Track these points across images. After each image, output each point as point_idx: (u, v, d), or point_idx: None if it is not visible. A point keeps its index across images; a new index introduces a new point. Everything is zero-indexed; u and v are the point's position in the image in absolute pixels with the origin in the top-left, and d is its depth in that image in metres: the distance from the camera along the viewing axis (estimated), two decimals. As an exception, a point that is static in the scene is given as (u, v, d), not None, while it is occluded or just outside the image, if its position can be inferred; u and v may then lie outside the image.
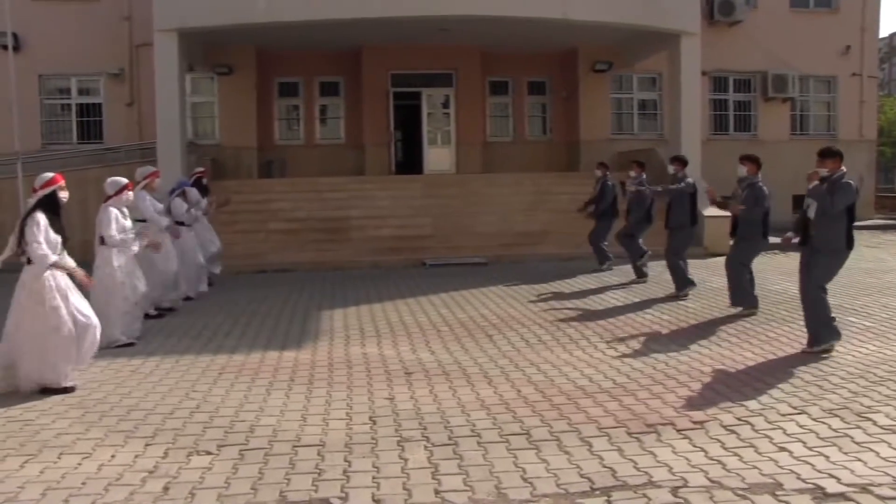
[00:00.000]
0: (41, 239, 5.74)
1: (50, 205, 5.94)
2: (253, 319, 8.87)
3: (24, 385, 5.79)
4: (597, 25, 16.15)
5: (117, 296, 7.47)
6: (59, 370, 5.80)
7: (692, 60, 16.48)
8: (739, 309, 8.42)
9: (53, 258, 5.80)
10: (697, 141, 16.65)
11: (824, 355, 6.45)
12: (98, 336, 6.18)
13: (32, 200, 5.97)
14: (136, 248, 7.59)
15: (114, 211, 7.44)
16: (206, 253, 11.43)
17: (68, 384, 5.84)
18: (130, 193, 7.69)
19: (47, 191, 5.95)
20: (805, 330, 6.80)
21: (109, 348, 7.16)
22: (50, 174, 6.10)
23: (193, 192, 11.27)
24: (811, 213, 6.54)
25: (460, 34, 17.05)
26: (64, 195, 6.05)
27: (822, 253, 6.47)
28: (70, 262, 6.04)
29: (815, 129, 21.28)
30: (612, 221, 12.26)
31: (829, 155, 6.52)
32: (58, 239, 5.91)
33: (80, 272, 6.08)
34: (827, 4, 21.04)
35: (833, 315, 6.70)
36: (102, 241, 7.46)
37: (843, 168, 6.49)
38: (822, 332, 6.59)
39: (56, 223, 5.93)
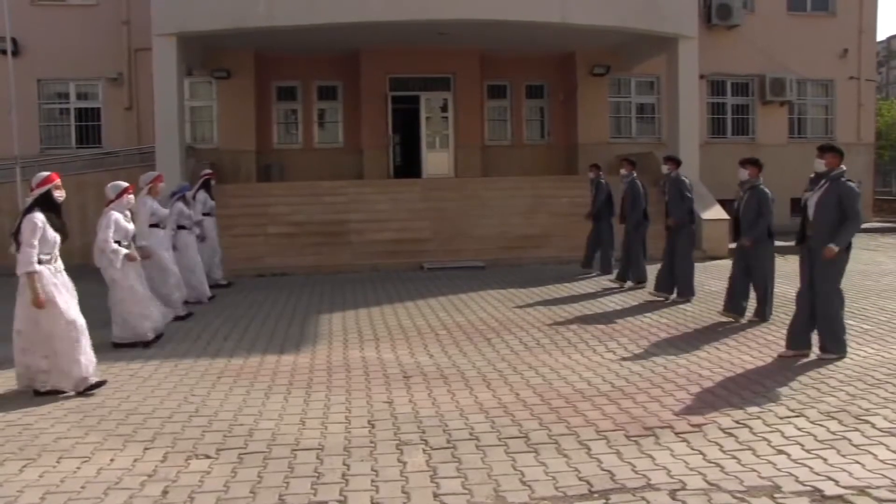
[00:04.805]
0: (34, 242, 5.72)
1: (46, 203, 5.94)
2: (251, 323, 8.87)
3: (53, 384, 5.85)
4: (594, 29, 16.20)
5: (126, 299, 7.54)
6: (80, 364, 5.83)
7: (690, 64, 16.51)
8: (730, 314, 8.41)
9: (34, 268, 5.70)
10: (696, 144, 16.68)
11: (824, 362, 6.44)
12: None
13: (29, 200, 5.99)
14: (118, 264, 7.42)
15: (115, 215, 7.43)
16: (213, 255, 11.52)
17: (97, 379, 5.95)
18: (132, 197, 7.70)
19: (42, 190, 5.95)
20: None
21: (114, 349, 7.28)
22: (45, 173, 6.11)
23: (202, 196, 11.43)
24: (810, 213, 6.53)
25: (459, 38, 17.09)
26: (59, 194, 6.04)
27: (822, 254, 6.43)
28: (41, 283, 5.75)
29: (813, 132, 21.30)
30: (610, 221, 12.30)
31: (829, 150, 6.50)
32: (56, 238, 5.90)
33: (38, 298, 5.74)
34: (824, 8, 21.10)
35: (844, 326, 6.61)
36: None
37: (843, 166, 6.47)
38: (830, 341, 6.50)
39: (55, 221, 5.93)
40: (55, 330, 5.81)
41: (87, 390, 5.86)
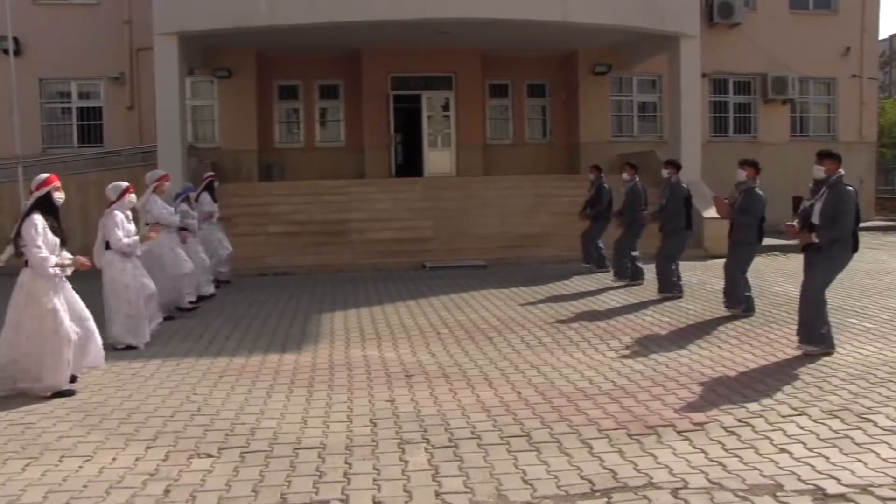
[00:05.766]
0: (40, 242, 5.73)
1: (46, 206, 5.95)
2: (253, 322, 8.88)
3: (25, 386, 5.80)
4: (596, 28, 16.19)
5: (120, 298, 7.52)
6: (56, 373, 5.79)
7: (692, 63, 16.50)
8: (733, 311, 8.45)
9: (53, 259, 5.79)
10: (697, 143, 16.67)
11: (823, 357, 6.44)
12: (100, 341, 6.24)
13: (29, 202, 6.00)
14: (139, 251, 7.65)
15: (119, 215, 7.45)
16: (216, 256, 11.54)
17: (67, 388, 5.85)
18: (133, 196, 7.71)
19: (42, 192, 5.96)
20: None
21: (114, 350, 7.23)
22: (45, 175, 6.12)
23: (205, 198, 11.47)
24: (815, 219, 6.51)
25: (460, 37, 17.08)
26: (59, 196, 6.05)
27: (826, 253, 6.43)
28: (67, 256, 6.01)
29: (815, 131, 21.29)
30: (608, 224, 12.30)
31: (828, 156, 6.52)
32: (56, 240, 5.91)
33: (80, 259, 6.02)
34: (826, 6, 21.06)
35: (829, 324, 6.65)
36: (107, 245, 7.48)
37: (842, 171, 6.48)
38: (814, 335, 6.55)
39: (54, 224, 5.94)
40: (38, 332, 5.79)
41: (53, 396, 5.75)
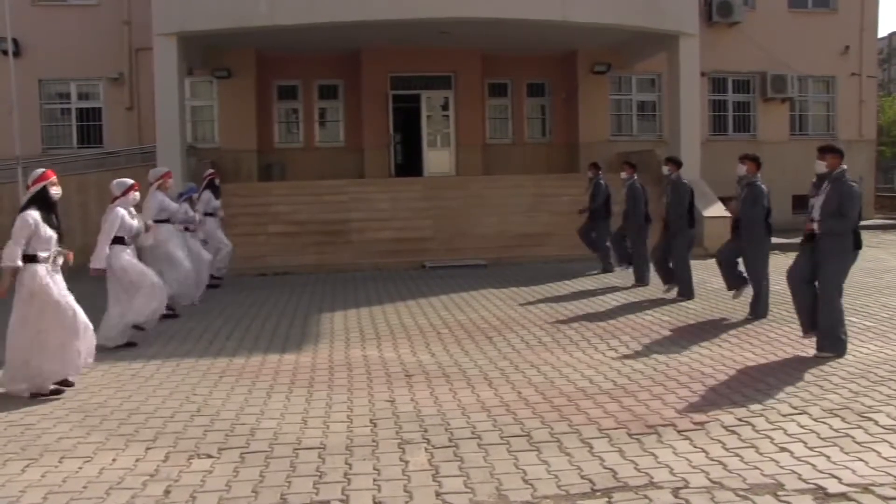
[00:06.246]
0: (22, 240, 5.73)
1: (42, 201, 5.96)
2: (253, 322, 8.87)
3: (33, 383, 5.81)
4: (596, 27, 16.18)
5: (124, 293, 7.53)
6: (70, 363, 5.85)
7: (691, 61, 16.51)
8: (761, 319, 8.29)
9: (17, 264, 5.72)
10: (697, 142, 16.68)
11: (822, 360, 6.43)
12: (93, 338, 6.24)
13: (25, 198, 6.01)
14: (97, 263, 7.51)
15: (120, 211, 7.44)
16: (216, 254, 11.56)
17: (53, 388, 5.87)
18: (137, 194, 7.70)
19: (38, 187, 5.97)
20: (799, 325, 6.82)
21: (117, 349, 7.30)
22: (41, 170, 6.12)
23: (206, 196, 11.49)
24: (815, 213, 6.50)
25: (460, 36, 17.07)
26: (55, 190, 6.05)
27: (831, 254, 6.39)
28: (34, 281, 5.81)
29: (815, 129, 21.28)
30: (608, 221, 12.29)
31: (830, 151, 6.50)
32: (51, 235, 5.90)
33: (68, 252, 6.02)
34: (825, 4, 21.05)
35: (844, 326, 6.58)
36: (115, 240, 7.46)
37: (844, 166, 6.47)
38: (829, 341, 6.47)
39: (50, 219, 5.94)
40: (47, 327, 5.80)
41: (47, 394, 5.77)
